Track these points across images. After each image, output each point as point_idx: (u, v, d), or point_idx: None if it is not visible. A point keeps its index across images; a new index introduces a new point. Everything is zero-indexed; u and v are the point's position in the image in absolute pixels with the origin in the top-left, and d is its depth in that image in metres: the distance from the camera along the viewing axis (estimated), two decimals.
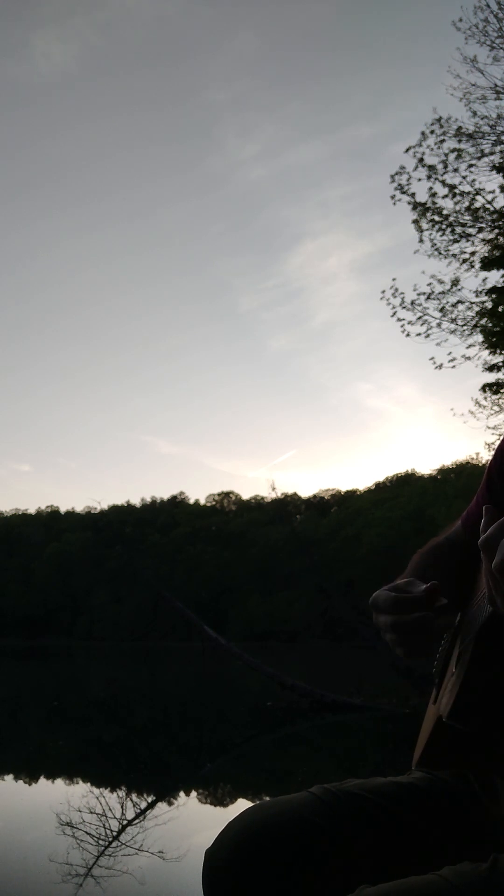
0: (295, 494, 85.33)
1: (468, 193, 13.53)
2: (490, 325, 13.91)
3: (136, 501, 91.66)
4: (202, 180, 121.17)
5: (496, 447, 1.10)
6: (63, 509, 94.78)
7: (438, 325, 14.16)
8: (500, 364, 14.20)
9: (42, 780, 5.72)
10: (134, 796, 4.93)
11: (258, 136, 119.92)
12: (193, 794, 5.26)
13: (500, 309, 13.61)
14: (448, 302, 14.12)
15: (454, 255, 13.98)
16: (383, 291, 14.10)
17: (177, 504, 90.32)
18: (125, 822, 4.06)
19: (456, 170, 13.39)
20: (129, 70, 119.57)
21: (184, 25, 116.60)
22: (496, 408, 14.67)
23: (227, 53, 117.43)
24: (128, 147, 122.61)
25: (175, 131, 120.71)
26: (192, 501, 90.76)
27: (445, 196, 13.58)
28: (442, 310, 14.13)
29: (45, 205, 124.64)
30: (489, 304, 13.86)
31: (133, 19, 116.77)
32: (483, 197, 13.53)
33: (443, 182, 13.48)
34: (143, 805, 4.65)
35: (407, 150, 13.44)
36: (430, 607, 0.86)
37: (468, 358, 14.23)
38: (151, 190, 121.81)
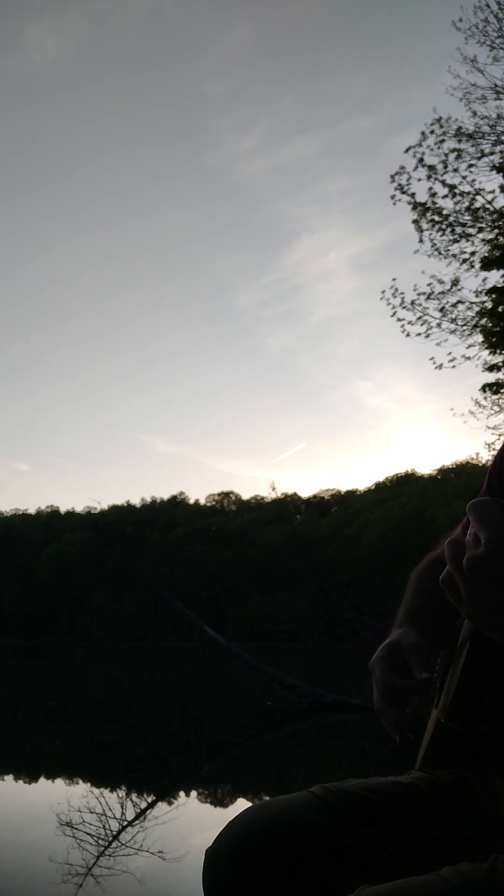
0: (295, 494, 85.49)
1: (468, 193, 13.54)
2: (490, 325, 13.91)
3: (136, 501, 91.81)
4: (199, 175, 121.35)
5: (497, 450, 1.10)
6: (63, 509, 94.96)
7: (438, 325, 14.18)
8: (500, 364, 14.21)
9: (42, 780, 5.72)
10: (134, 796, 4.93)
11: (255, 130, 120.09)
12: (193, 794, 5.26)
13: (500, 309, 13.61)
14: (448, 302, 14.14)
15: (454, 255, 14.00)
16: (383, 291, 14.13)
17: (177, 504, 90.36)
18: (125, 822, 4.06)
19: (456, 170, 13.40)
20: (125, 62, 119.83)
21: (180, 18, 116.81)
22: (496, 408, 14.68)
23: (223, 46, 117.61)
24: (123, 142, 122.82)
25: (171, 125, 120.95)
26: (191, 501, 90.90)
27: (445, 196, 13.60)
28: (442, 310, 14.15)
29: (40, 202, 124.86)
30: (489, 304, 13.86)
31: (128, 11, 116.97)
32: (483, 197, 13.54)
33: (443, 182, 13.50)
34: (143, 805, 4.65)
35: (407, 150, 13.46)
36: (446, 648, 0.93)
37: (468, 358, 14.25)
38: (148, 186, 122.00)
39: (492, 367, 14.26)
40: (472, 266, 13.93)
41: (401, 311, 14.15)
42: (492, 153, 13.40)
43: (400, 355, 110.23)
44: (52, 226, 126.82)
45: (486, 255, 13.72)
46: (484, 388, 14.49)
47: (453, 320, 14.15)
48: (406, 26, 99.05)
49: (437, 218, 13.81)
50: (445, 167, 13.40)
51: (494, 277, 13.82)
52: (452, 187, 13.47)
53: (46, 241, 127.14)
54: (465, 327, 14.15)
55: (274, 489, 57.99)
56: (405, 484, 71.93)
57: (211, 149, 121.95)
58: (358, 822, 0.92)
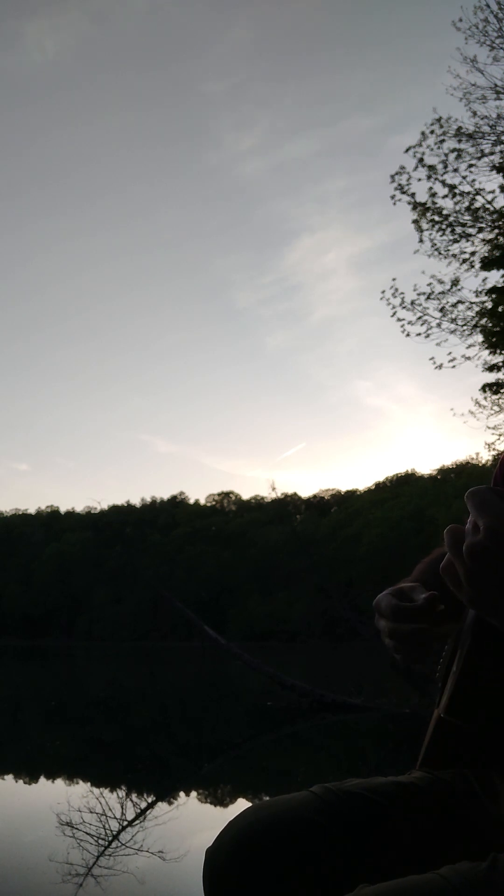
0: (295, 494, 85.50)
1: (468, 193, 13.54)
2: (490, 325, 13.90)
3: (136, 501, 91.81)
4: (199, 175, 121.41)
5: (502, 455, 1.10)
6: (63, 509, 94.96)
7: (438, 325, 14.17)
8: (500, 364, 14.21)
9: (42, 780, 5.72)
10: (134, 796, 4.93)
11: (255, 129, 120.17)
12: (193, 794, 5.26)
13: (500, 309, 13.61)
14: (448, 302, 14.13)
15: (454, 255, 13.99)
16: (383, 291, 14.13)
17: (177, 504, 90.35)
18: (125, 822, 4.06)
19: (456, 170, 13.40)
20: (124, 62, 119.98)
21: (179, 17, 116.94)
22: (496, 408, 14.67)
23: (223, 46, 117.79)
24: (123, 142, 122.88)
25: (171, 125, 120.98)
26: (192, 501, 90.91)
27: (445, 196, 13.60)
28: (442, 310, 14.14)
29: (40, 202, 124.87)
30: (489, 304, 13.86)
31: (128, 10, 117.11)
32: (483, 197, 13.54)
33: (443, 182, 13.49)
34: (143, 805, 4.65)
35: (407, 150, 13.46)
36: (430, 617, 0.89)
37: (468, 358, 14.24)
38: (148, 186, 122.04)
39: (492, 367, 14.26)
40: (472, 266, 13.93)
41: (401, 311, 14.16)
42: (492, 153, 13.40)
43: (400, 355, 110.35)
44: (52, 226, 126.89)
45: (486, 255, 13.71)
46: (484, 388, 14.49)
47: (453, 320, 14.15)
48: (406, 26, 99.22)
49: (437, 218, 13.81)
50: (445, 167, 13.40)
51: (494, 277, 13.83)
52: (452, 187, 13.47)
53: (46, 241, 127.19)
54: (465, 327, 14.15)
55: (274, 489, 58.03)
56: (405, 484, 71.93)
57: (211, 148, 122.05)
58: (358, 821, 0.92)
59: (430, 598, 0.89)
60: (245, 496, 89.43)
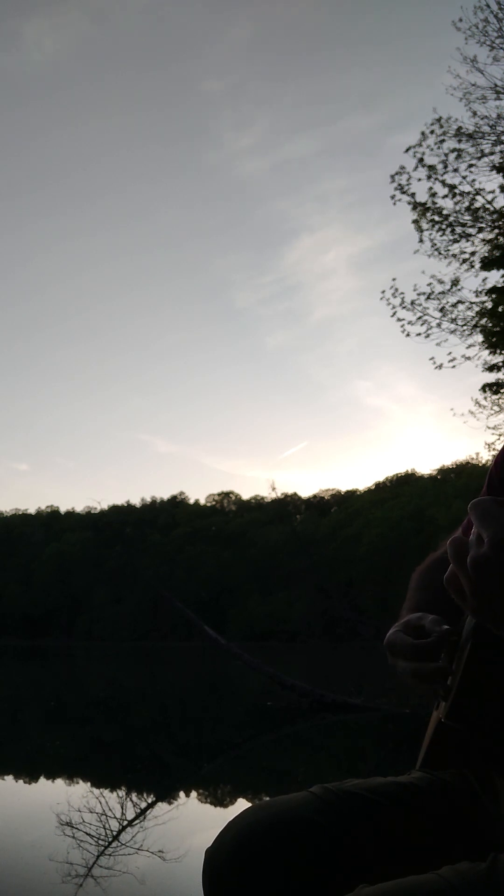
0: (295, 494, 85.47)
1: (468, 193, 13.54)
2: (490, 325, 13.91)
3: (136, 501, 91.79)
4: (198, 175, 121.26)
5: (498, 451, 1.10)
6: (63, 509, 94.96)
7: (438, 325, 14.18)
8: (500, 364, 14.21)
9: (42, 780, 5.73)
10: (134, 796, 4.93)
11: (255, 128, 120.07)
12: (193, 794, 5.26)
13: (500, 309, 13.61)
14: (448, 302, 14.13)
15: (454, 255, 13.99)
16: (383, 291, 14.13)
17: (177, 504, 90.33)
18: (125, 822, 4.06)
19: (456, 170, 13.40)
20: (124, 61, 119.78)
21: (179, 16, 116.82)
22: (496, 408, 14.68)
23: (222, 45, 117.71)
24: (123, 141, 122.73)
25: (171, 124, 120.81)
26: (191, 501, 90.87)
27: (445, 196, 13.60)
28: (442, 310, 14.14)
29: (40, 202, 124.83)
30: (489, 304, 13.86)
31: (127, 9, 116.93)
32: (483, 197, 13.54)
33: (443, 182, 13.49)
34: (143, 805, 4.65)
35: (407, 150, 13.47)
36: (447, 650, 0.90)
37: (468, 358, 14.24)
38: (147, 186, 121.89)
39: (492, 367, 14.26)
40: (472, 266, 13.93)
41: (401, 311, 14.16)
42: (492, 153, 13.40)
43: (400, 355, 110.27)
44: (52, 226, 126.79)
45: (486, 255, 13.71)
46: (484, 388, 14.49)
47: (453, 320, 14.16)
48: (406, 26, 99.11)
49: (437, 218, 13.81)
50: (445, 167, 13.40)
51: (494, 277, 13.83)
52: (452, 187, 13.47)
53: (46, 241, 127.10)
54: (465, 327, 14.15)
55: (274, 489, 58.14)
56: (405, 484, 71.91)
57: (210, 148, 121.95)
58: (358, 821, 0.92)
59: (444, 633, 0.89)
60: (245, 496, 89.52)
